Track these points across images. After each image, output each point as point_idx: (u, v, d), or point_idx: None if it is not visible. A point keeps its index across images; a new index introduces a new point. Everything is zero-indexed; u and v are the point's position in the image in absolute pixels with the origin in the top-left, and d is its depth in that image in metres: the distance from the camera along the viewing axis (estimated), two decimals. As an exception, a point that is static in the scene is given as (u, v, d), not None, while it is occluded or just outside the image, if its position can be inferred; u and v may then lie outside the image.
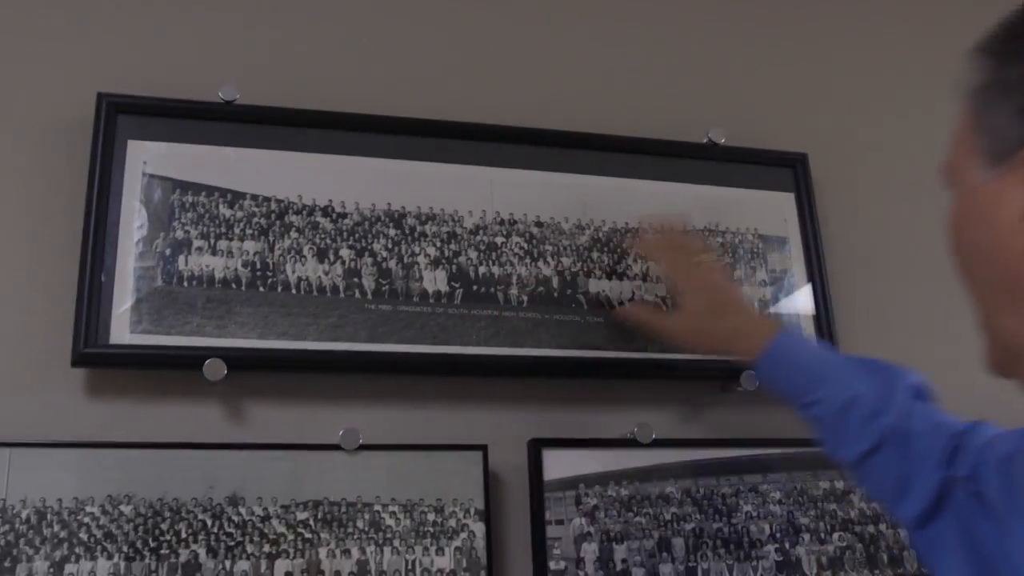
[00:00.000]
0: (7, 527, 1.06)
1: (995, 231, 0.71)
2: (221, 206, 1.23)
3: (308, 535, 1.13)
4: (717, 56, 1.54)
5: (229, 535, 1.11)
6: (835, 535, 1.29)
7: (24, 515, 1.06)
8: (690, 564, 1.23)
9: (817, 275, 1.39)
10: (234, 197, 1.24)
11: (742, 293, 1.20)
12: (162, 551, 1.09)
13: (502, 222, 1.32)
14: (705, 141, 1.43)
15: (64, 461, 1.10)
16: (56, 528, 1.07)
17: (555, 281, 1.31)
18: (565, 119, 1.38)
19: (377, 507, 1.16)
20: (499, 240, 1.31)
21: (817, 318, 1.38)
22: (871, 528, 1.31)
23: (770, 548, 1.26)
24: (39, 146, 1.22)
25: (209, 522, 1.11)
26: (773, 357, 1.09)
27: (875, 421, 0.98)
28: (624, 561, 1.21)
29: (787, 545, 1.27)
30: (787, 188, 1.44)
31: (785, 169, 1.45)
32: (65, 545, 1.07)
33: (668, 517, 1.25)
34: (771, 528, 1.27)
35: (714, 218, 1.40)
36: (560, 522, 1.21)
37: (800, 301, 1.39)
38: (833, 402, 1.02)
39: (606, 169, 1.38)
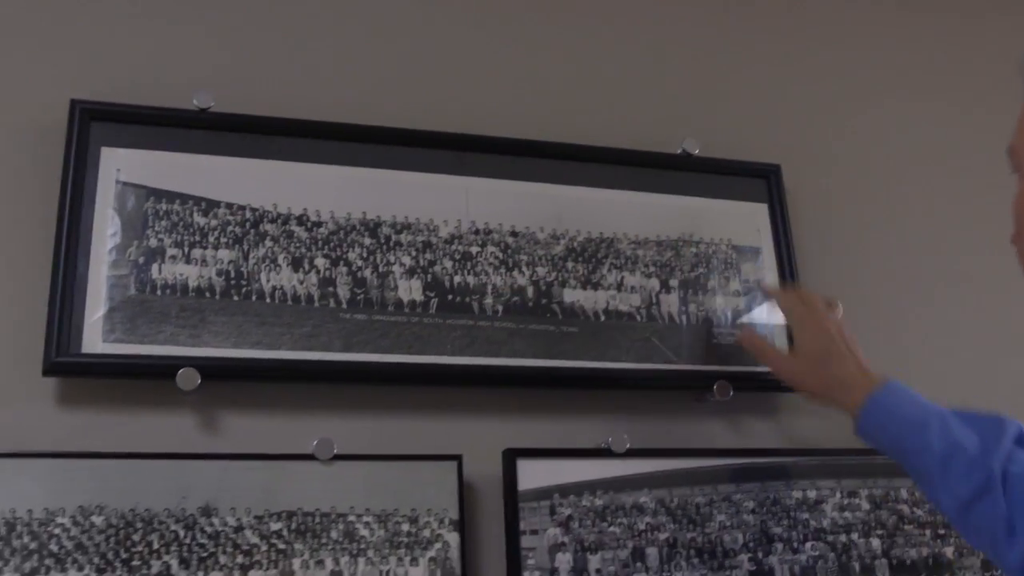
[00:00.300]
0: (-24, 538, 1.05)
1: None
2: (195, 214, 1.23)
3: (282, 546, 1.14)
4: (692, 67, 1.56)
5: (202, 546, 1.11)
6: (807, 544, 1.31)
7: (-6, 526, 1.06)
8: (664, 574, 1.24)
9: (790, 285, 1.41)
10: (208, 205, 1.24)
11: (855, 344, 1.20)
12: (134, 562, 1.08)
13: (477, 232, 1.33)
14: (679, 152, 1.44)
15: (35, 471, 1.09)
16: (26, 539, 1.06)
17: (530, 291, 1.32)
18: (541, 129, 1.40)
19: (351, 517, 1.17)
20: (474, 250, 1.32)
21: (789, 328, 1.39)
22: (843, 538, 1.32)
23: (743, 557, 1.28)
24: (11, 152, 1.22)
25: (182, 533, 1.11)
26: (875, 409, 1.10)
27: (978, 468, 0.98)
28: (599, 571, 1.22)
29: (760, 554, 1.28)
30: (760, 199, 1.46)
31: (759, 180, 1.47)
32: (35, 556, 1.06)
33: (642, 527, 1.26)
34: (744, 537, 1.29)
35: (688, 228, 1.41)
36: (535, 532, 1.21)
37: (773, 311, 1.40)
38: (935, 451, 1.02)
39: (581, 179, 1.39)
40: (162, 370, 1.15)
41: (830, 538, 1.32)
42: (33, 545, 1.06)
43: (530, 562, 1.20)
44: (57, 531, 1.08)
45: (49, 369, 1.12)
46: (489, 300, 1.30)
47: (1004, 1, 1.79)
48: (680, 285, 1.39)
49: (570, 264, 1.35)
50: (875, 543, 1.33)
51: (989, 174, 1.64)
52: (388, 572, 1.16)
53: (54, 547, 1.07)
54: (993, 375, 1.49)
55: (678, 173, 1.44)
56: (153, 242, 1.20)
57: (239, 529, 1.13)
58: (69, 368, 1.13)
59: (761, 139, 1.52)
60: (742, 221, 1.44)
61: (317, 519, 1.16)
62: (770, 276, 1.42)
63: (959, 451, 1.00)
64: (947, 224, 1.58)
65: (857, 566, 1.32)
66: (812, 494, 1.34)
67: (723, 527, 1.29)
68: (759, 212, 1.46)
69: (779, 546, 1.30)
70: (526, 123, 1.40)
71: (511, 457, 1.23)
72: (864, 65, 1.66)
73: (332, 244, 1.27)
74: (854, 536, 1.33)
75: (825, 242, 1.50)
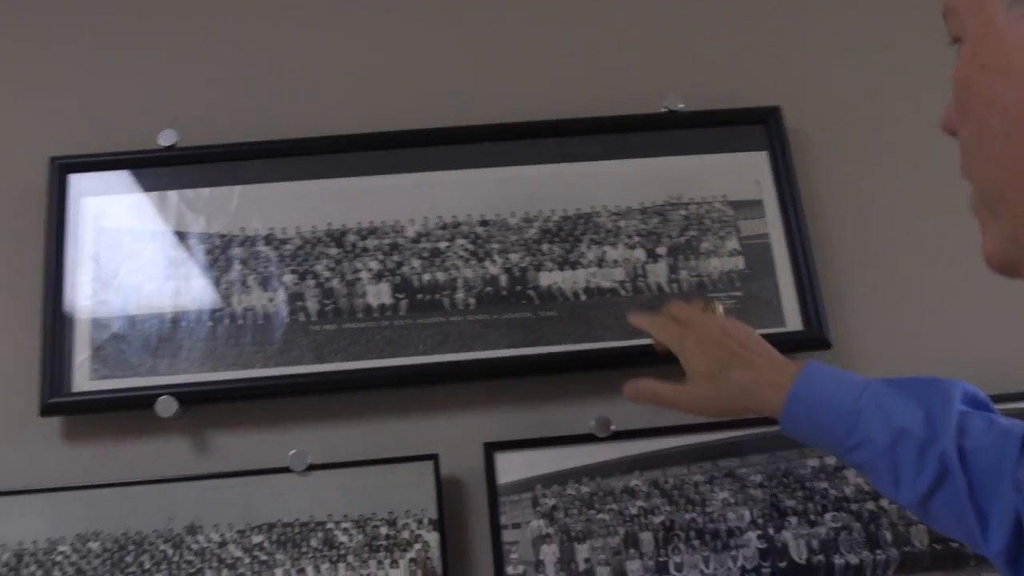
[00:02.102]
0: (-9, 570, 1.22)
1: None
2: (168, 248, 1.35)
3: (264, 557, 1.23)
4: (666, 15, 1.52)
5: (189, 563, 1.23)
6: (827, 516, 1.26)
7: (4, 558, 1.22)
8: (660, 559, 1.24)
9: (798, 238, 1.35)
10: (180, 238, 1.35)
11: (750, 339, 1.08)
12: (128, 583, 1.22)
13: (444, 226, 1.37)
14: (663, 110, 1.41)
15: (38, 506, 1.24)
16: (33, 568, 1.22)
17: (503, 279, 1.35)
18: (503, 111, 1.42)
19: (330, 525, 1.25)
20: (442, 245, 1.36)
21: (799, 285, 1.34)
22: (870, 505, 1.26)
23: (751, 535, 1.25)
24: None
25: (170, 552, 1.23)
26: (798, 406, 0.98)
27: (930, 452, 0.89)
28: (587, 560, 1.24)
29: (771, 531, 1.25)
30: (760, 147, 1.41)
31: (756, 126, 1.42)
32: (41, 583, 1.22)
33: (634, 511, 1.26)
34: (752, 514, 1.26)
35: (676, 190, 1.39)
36: (516, 525, 1.25)
37: (780, 268, 1.35)
38: (877, 441, 0.92)
39: (552, 156, 1.40)
40: (144, 400, 1.27)
41: (854, 507, 1.26)
42: (39, 573, 1.22)
43: (513, 556, 1.23)
44: (59, 559, 1.22)
45: (45, 410, 1.27)
46: (460, 294, 1.34)
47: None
48: (669, 252, 1.37)
49: (545, 246, 1.36)
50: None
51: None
52: (368, 576, 1.23)
53: (57, 573, 1.22)
54: (1020, 330, 1.36)
55: (662, 133, 1.41)
56: (131, 280, 1.33)
57: (223, 544, 1.24)
58: (62, 407, 1.28)
59: (756, 81, 1.46)
60: (738, 174, 1.40)
61: (296, 529, 1.25)
62: (774, 231, 1.37)
63: (905, 437, 0.90)
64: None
65: (888, 535, 1.25)
66: (831, 460, 1.28)
67: (727, 504, 1.26)
68: (758, 161, 1.41)
69: (793, 520, 1.26)
70: (488, 107, 1.43)
71: (489, 451, 1.27)
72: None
73: (299, 259, 1.35)
74: (883, 502, 1.26)
75: (834, 187, 1.43)
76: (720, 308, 1.16)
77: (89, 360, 1.30)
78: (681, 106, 1.41)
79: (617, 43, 1.50)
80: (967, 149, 0.69)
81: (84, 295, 1.32)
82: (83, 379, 1.29)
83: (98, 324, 1.31)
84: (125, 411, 1.29)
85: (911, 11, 1.52)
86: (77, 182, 1.36)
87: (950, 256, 1.37)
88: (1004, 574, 0.85)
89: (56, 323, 1.30)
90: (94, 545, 1.23)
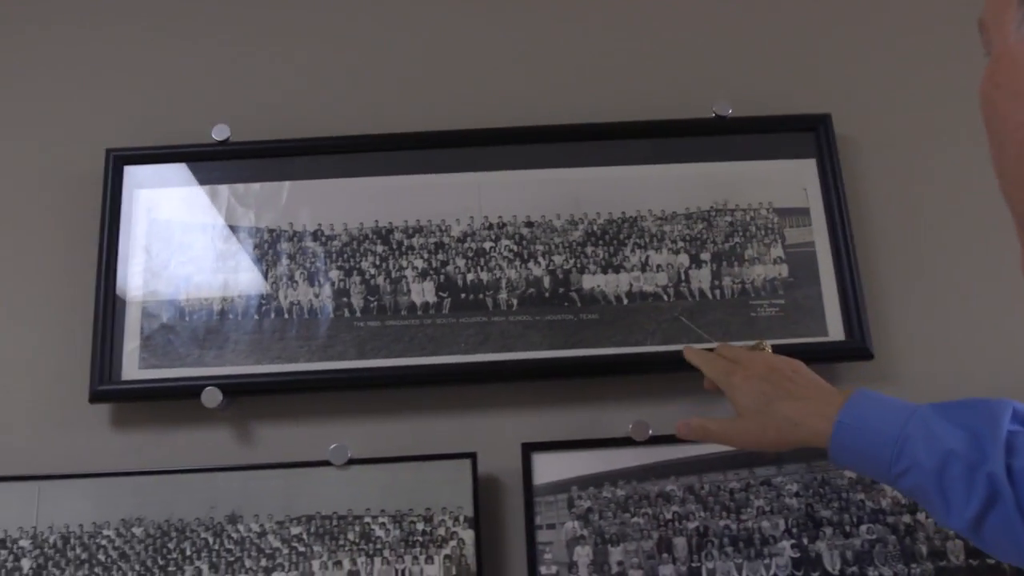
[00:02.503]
0: (38, 551, 1.26)
1: None
2: (218, 241, 1.38)
3: (302, 548, 1.26)
4: (714, 21, 1.53)
5: (229, 551, 1.26)
6: (862, 527, 1.26)
7: (52, 540, 1.26)
8: (693, 564, 1.25)
9: (843, 247, 1.35)
10: (230, 232, 1.38)
11: (797, 373, 1.08)
12: (170, 568, 1.25)
13: (490, 226, 1.39)
14: (711, 116, 1.42)
15: (85, 490, 1.29)
16: (78, 551, 1.26)
17: (546, 281, 1.36)
18: (551, 113, 1.44)
19: (367, 519, 1.27)
20: (487, 245, 1.38)
21: (843, 295, 1.34)
22: (907, 518, 1.27)
23: (785, 544, 1.26)
24: (55, 202, 1.43)
25: (211, 540, 1.27)
26: (844, 434, 0.97)
27: (978, 474, 0.86)
28: (620, 563, 1.25)
29: (805, 540, 1.26)
30: (808, 154, 1.41)
31: (806, 133, 1.42)
32: (86, 565, 1.25)
33: (669, 516, 1.27)
34: (786, 523, 1.27)
35: (722, 196, 1.40)
36: (551, 526, 1.26)
37: (824, 277, 1.36)
38: (925, 465, 0.90)
39: (599, 159, 1.42)
40: (190, 391, 1.31)
41: (891, 519, 1.27)
42: (84, 556, 1.26)
43: (547, 556, 1.25)
44: (104, 542, 1.26)
45: (94, 397, 1.31)
46: (503, 295, 1.36)
47: None
48: (712, 258, 1.38)
49: (589, 249, 1.38)
50: (947, 523, 1.26)
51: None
52: (404, 571, 1.25)
53: (102, 557, 1.26)
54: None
55: (710, 138, 1.42)
56: (181, 271, 1.36)
57: (262, 534, 1.27)
58: (111, 395, 1.32)
59: (806, 88, 1.46)
60: (785, 181, 1.40)
61: (335, 522, 1.27)
62: (820, 239, 1.37)
63: (952, 460, 0.87)
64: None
65: (924, 549, 1.25)
66: (869, 472, 1.28)
67: (761, 513, 1.27)
68: (806, 169, 1.41)
69: (828, 531, 1.26)
70: (536, 109, 1.45)
71: (527, 452, 1.28)
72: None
73: (345, 255, 1.37)
74: (919, 516, 1.26)
75: (882, 197, 1.43)
76: (769, 346, 1.17)
77: (138, 349, 1.33)
78: (730, 111, 1.42)
79: (667, 48, 1.51)
80: (994, 167, 0.69)
81: (135, 285, 1.36)
82: (132, 368, 1.33)
83: (148, 314, 1.35)
84: (172, 400, 1.33)
85: (965, 21, 1.51)
86: (132, 174, 1.40)
87: (998, 269, 1.36)
88: None
89: (107, 312, 1.33)
90: (138, 530, 1.27)
